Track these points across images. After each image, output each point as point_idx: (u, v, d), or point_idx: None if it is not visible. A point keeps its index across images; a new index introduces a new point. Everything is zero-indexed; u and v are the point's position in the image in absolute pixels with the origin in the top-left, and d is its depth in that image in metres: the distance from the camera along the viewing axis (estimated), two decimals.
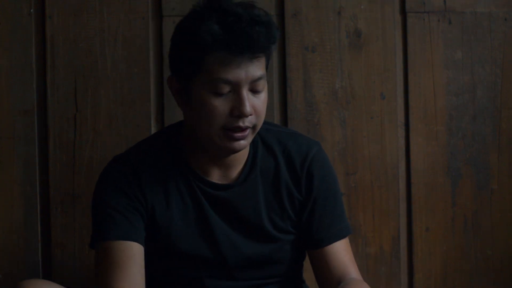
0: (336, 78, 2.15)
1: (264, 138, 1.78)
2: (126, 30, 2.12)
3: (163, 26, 2.12)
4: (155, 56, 2.13)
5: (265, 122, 1.74)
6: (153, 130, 2.12)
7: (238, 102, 1.62)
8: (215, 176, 1.74)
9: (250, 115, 1.63)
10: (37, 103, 2.12)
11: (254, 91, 1.64)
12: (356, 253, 2.14)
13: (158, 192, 1.73)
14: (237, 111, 1.62)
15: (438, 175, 2.17)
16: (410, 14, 2.16)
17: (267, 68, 1.69)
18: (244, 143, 1.66)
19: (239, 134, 1.64)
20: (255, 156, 1.77)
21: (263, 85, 1.65)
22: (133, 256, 1.66)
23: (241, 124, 1.63)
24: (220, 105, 1.62)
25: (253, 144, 1.77)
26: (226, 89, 1.62)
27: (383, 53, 2.15)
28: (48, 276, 2.11)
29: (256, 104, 1.64)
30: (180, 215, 1.73)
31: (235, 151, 1.68)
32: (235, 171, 1.76)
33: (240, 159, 1.75)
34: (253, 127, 1.66)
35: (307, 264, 1.87)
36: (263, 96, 1.66)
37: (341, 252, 1.77)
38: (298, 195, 1.78)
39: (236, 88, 1.62)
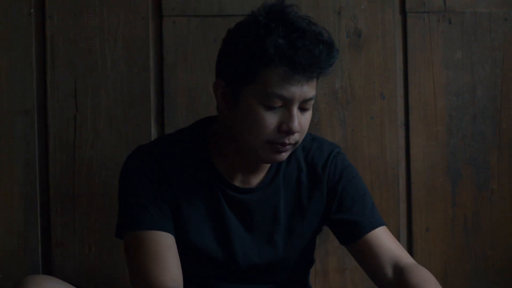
0: (336, 78, 2.15)
1: None
2: (126, 30, 2.12)
3: (163, 26, 2.12)
4: (155, 56, 2.13)
5: None
6: (153, 130, 2.12)
7: (288, 118, 1.61)
8: (238, 180, 1.73)
9: (298, 132, 1.63)
10: (37, 103, 2.12)
11: (303, 109, 1.63)
12: None
13: (181, 186, 1.71)
14: (286, 127, 1.61)
15: (438, 175, 2.17)
16: (410, 14, 2.16)
17: None
18: (286, 155, 1.67)
19: (282, 148, 1.64)
20: (280, 162, 1.75)
21: (311, 104, 1.65)
22: (170, 247, 1.65)
23: (286, 140, 1.62)
24: (269, 118, 1.61)
25: None
26: (278, 103, 1.60)
27: (383, 53, 2.15)
28: None
29: (303, 122, 1.64)
30: (198, 213, 1.72)
31: (276, 161, 1.69)
32: (259, 177, 1.75)
33: (265, 165, 1.74)
34: (295, 143, 1.66)
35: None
36: (309, 114, 1.66)
37: (383, 238, 1.74)
38: (321, 199, 1.77)
39: (288, 104, 1.61)
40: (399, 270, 1.69)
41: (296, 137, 1.64)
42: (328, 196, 1.77)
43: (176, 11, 2.12)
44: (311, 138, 1.81)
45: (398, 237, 2.16)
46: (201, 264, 1.74)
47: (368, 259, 1.74)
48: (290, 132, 1.61)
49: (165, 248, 1.64)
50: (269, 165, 1.75)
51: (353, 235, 1.76)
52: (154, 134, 2.13)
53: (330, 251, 2.15)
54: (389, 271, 1.71)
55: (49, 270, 2.12)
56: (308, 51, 1.56)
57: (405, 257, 1.72)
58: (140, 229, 1.65)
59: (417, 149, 2.17)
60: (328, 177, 1.77)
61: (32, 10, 2.11)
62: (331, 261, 2.16)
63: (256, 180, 1.75)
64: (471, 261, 2.18)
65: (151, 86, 2.13)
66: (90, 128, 2.12)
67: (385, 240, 1.74)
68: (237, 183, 1.73)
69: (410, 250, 2.17)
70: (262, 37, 1.57)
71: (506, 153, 2.18)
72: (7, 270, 2.12)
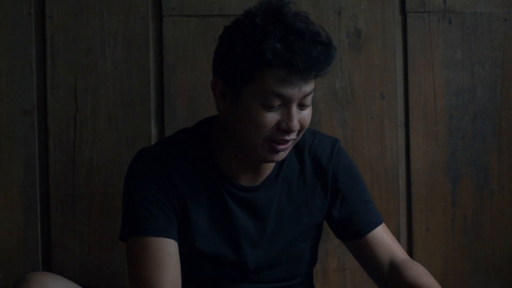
0: (336, 78, 2.15)
1: None
2: (126, 30, 2.12)
3: (163, 26, 2.12)
4: (155, 56, 2.13)
5: None
6: (153, 130, 2.12)
7: (287, 117, 1.61)
8: (243, 178, 1.73)
9: (297, 130, 1.63)
10: (37, 103, 2.12)
11: (302, 105, 1.63)
12: None
13: (187, 189, 1.70)
14: (285, 126, 1.61)
15: (438, 175, 2.17)
16: (410, 14, 2.16)
17: None
18: (284, 154, 1.67)
19: (281, 146, 1.64)
20: (283, 159, 1.75)
21: (310, 100, 1.64)
22: (172, 254, 1.65)
23: (286, 137, 1.63)
24: (269, 117, 1.61)
25: None
26: (277, 103, 1.60)
27: (383, 53, 2.15)
28: None
29: (302, 118, 1.64)
30: (205, 215, 1.72)
31: (275, 161, 1.69)
32: (263, 174, 1.75)
33: (271, 164, 1.75)
34: (294, 140, 1.67)
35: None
36: (308, 110, 1.65)
37: (383, 235, 1.79)
38: (325, 192, 1.78)
39: (287, 103, 1.61)
40: (395, 266, 1.75)
41: (296, 134, 1.65)
42: (332, 191, 1.79)
43: (176, 11, 2.12)
44: (311, 132, 1.82)
45: (398, 237, 2.16)
46: (210, 266, 1.73)
47: (367, 256, 1.79)
48: (289, 130, 1.62)
49: (167, 256, 1.64)
50: (273, 164, 1.76)
51: (355, 234, 1.79)
52: (154, 134, 2.13)
53: (330, 251, 2.15)
54: (385, 268, 1.77)
55: (49, 270, 2.12)
56: (305, 54, 1.55)
57: (401, 253, 1.78)
58: (143, 234, 1.65)
59: (417, 149, 2.17)
60: (333, 171, 1.78)
61: (32, 10, 2.11)
62: (331, 261, 2.16)
63: (260, 177, 1.75)
64: (471, 261, 2.18)
65: (151, 86, 2.13)
66: (90, 128, 2.12)
67: (384, 238, 1.79)
68: (242, 181, 1.73)
69: (410, 250, 2.18)
70: (260, 41, 1.56)
71: (506, 153, 2.18)
72: (7, 270, 2.12)
